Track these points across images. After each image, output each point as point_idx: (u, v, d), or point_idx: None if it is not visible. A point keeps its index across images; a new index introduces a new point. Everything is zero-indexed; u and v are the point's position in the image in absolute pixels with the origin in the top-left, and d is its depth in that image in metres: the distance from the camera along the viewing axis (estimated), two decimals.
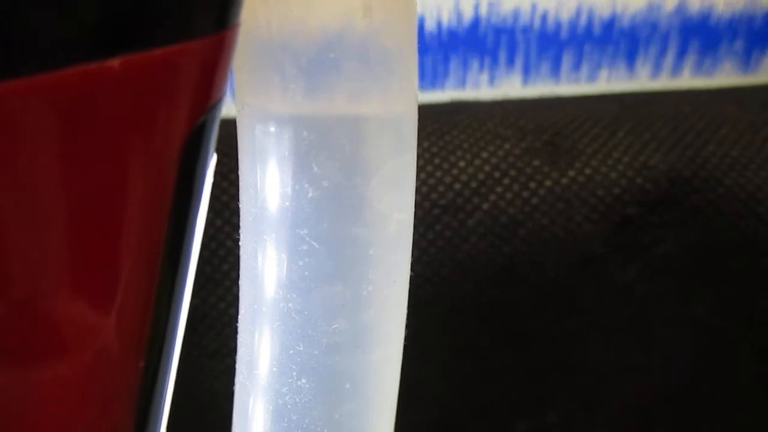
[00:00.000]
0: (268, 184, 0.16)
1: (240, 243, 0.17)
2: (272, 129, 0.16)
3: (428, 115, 0.27)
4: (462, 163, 0.25)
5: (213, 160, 0.14)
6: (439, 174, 0.25)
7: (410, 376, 0.27)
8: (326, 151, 0.15)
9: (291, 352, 0.17)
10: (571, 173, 0.25)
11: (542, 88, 0.33)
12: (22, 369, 0.12)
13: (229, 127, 0.24)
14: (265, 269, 0.17)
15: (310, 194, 0.15)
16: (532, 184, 0.25)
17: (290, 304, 0.16)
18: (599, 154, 0.25)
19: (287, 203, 0.16)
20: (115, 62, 0.10)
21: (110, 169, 0.11)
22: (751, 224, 0.26)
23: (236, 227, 0.17)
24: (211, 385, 0.27)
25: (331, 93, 0.15)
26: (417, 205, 0.25)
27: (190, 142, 0.12)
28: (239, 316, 0.18)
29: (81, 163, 0.10)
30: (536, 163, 0.25)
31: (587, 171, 0.25)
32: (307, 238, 0.15)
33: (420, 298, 0.25)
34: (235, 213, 0.26)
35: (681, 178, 0.25)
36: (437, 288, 0.25)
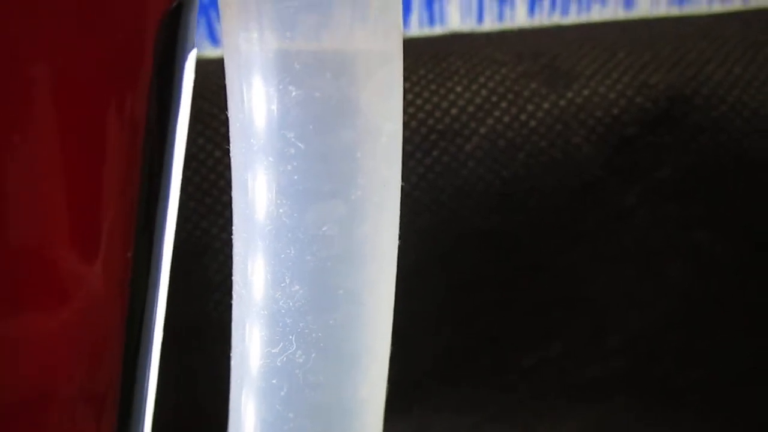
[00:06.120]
0: (253, 89, 0.16)
1: (230, 153, 0.17)
2: (255, 35, 0.16)
3: (424, 43, 0.27)
4: (459, 88, 0.25)
5: (194, 53, 0.14)
6: (435, 99, 0.25)
7: (412, 309, 0.28)
8: (306, 52, 0.15)
9: (282, 256, 0.17)
10: (569, 95, 0.25)
11: (546, 19, 0.33)
12: (14, 316, 0.12)
13: None
14: (255, 177, 0.17)
15: (293, 94, 0.15)
16: (530, 107, 0.25)
17: (281, 210, 0.17)
18: (598, 74, 0.25)
19: (272, 106, 0.16)
20: None
21: (81, 52, 0.11)
22: (755, 142, 0.25)
23: None
24: (218, 318, 0.28)
25: (311, 29, 0.16)
26: (414, 131, 0.25)
27: (165, 25, 0.12)
28: (233, 227, 0.18)
29: (51, 47, 0.11)
30: (533, 85, 0.25)
31: (585, 92, 0.25)
32: (293, 140, 0.16)
33: (420, 227, 0.25)
34: None
35: (682, 96, 0.25)
36: (436, 216, 0.25)
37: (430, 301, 0.28)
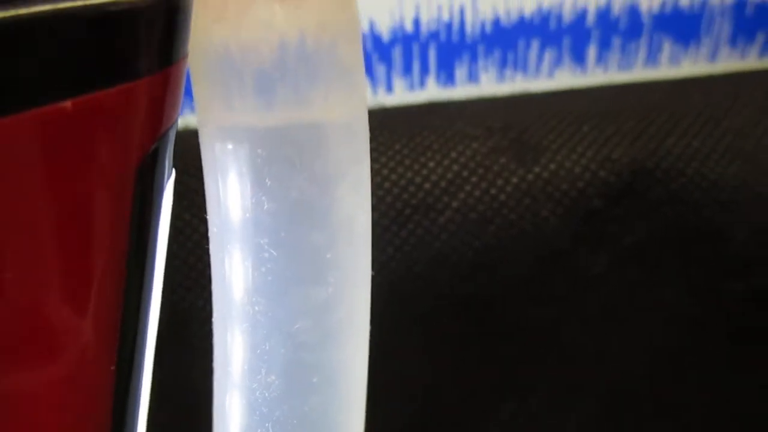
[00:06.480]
0: (229, 197, 0.17)
1: (209, 251, 0.18)
2: (230, 146, 0.17)
3: (401, 117, 0.28)
4: (432, 164, 0.26)
5: (172, 177, 0.15)
6: (409, 175, 0.26)
7: (391, 371, 0.29)
8: (278, 165, 0.16)
9: (258, 351, 0.18)
10: (537, 169, 0.26)
11: (517, 84, 0.34)
12: (4, 375, 0.13)
13: None
14: (232, 275, 0.18)
15: (265, 206, 0.16)
16: (499, 182, 0.26)
17: (256, 308, 0.18)
18: (564, 149, 0.27)
19: (247, 215, 0.17)
20: (67, 104, 0.12)
21: (71, 194, 0.12)
22: (715, 212, 0.26)
23: None
24: (204, 384, 0.29)
25: (282, 106, 0.17)
26: (389, 205, 0.27)
27: (143, 166, 0.13)
28: (213, 319, 0.19)
29: (42, 192, 0.12)
30: (503, 160, 0.26)
31: (552, 166, 0.26)
32: (267, 246, 0.17)
33: (396, 296, 0.26)
34: None
35: (643, 169, 0.26)
36: (413, 285, 0.26)
37: (408, 365, 0.29)
